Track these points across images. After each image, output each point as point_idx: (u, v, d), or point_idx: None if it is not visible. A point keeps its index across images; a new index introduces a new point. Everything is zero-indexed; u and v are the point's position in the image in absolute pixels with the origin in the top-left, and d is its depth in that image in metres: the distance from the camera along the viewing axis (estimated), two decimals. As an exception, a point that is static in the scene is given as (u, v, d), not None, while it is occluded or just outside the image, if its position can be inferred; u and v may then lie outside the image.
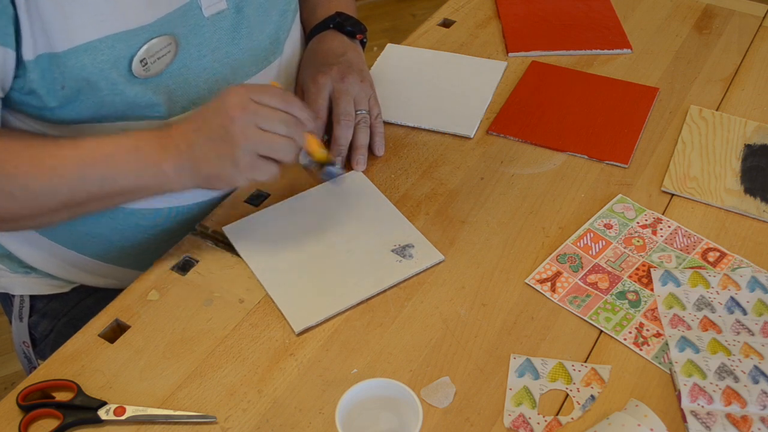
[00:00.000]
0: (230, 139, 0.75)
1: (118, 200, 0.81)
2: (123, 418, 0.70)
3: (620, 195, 0.93)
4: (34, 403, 0.72)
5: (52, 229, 0.91)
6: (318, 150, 0.83)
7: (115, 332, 0.79)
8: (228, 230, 0.88)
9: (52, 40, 0.73)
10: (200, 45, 0.84)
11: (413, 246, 0.86)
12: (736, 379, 0.73)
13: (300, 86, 0.99)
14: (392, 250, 0.85)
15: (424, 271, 0.84)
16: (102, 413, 0.70)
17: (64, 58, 0.74)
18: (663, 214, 0.91)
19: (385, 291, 0.82)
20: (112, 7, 0.75)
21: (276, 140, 0.76)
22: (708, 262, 0.85)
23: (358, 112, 0.94)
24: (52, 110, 0.79)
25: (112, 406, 0.71)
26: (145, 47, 0.78)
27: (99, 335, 0.78)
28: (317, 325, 0.79)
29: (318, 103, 0.93)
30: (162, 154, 0.77)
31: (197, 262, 0.85)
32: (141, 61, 0.79)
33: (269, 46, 0.94)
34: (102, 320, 0.79)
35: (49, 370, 0.75)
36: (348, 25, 1.01)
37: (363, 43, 1.04)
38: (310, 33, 1.03)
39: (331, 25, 1.01)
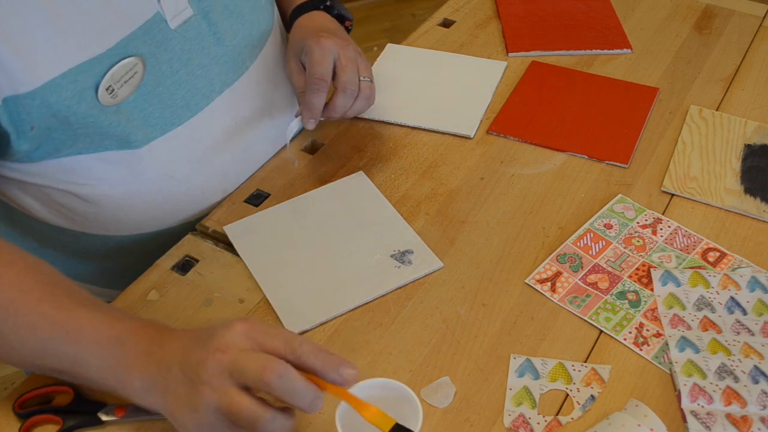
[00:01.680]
0: (196, 385, 0.59)
1: (83, 380, 0.67)
2: (124, 417, 0.70)
3: (620, 195, 0.93)
4: (32, 410, 0.71)
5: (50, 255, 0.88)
6: (383, 422, 0.61)
7: (115, 332, 0.79)
8: (229, 230, 0.87)
9: (14, 83, 0.70)
10: (171, 60, 0.81)
11: (412, 252, 0.85)
12: (736, 379, 0.73)
13: (294, 52, 0.92)
14: (391, 255, 0.85)
15: (422, 278, 0.83)
16: (102, 415, 0.70)
17: (28, 99, 0.71)
18: (663, 214, 0.91)
19: (381, 297, 0.82)
20: (68, 38, 0.72)
21: (248, 408, 0.58)
22: (708, 262, 0.85)
23: (363, 79, 0.90)
24: (27, 153, 0.76)
25: (112, 407, 0.71)
26: (109, 73, 0.75)
27: (99, 335, 0.78)
28: (312, 329, 0.78)
29: (324, 66, 0.87)
30: (140, 361, 0.63)
31: (197, 262, 0.85)
32: (107, 89, 0.75)
33: (245, 50, 0.90)
34: (102, 320, 0.79)
35: (49, 370, 0.75)
36: (337, 9, 0.99)
37: (348, 30, 1.02)
38: (294, 11, 0.98)
39: (321, 7, 0.99)
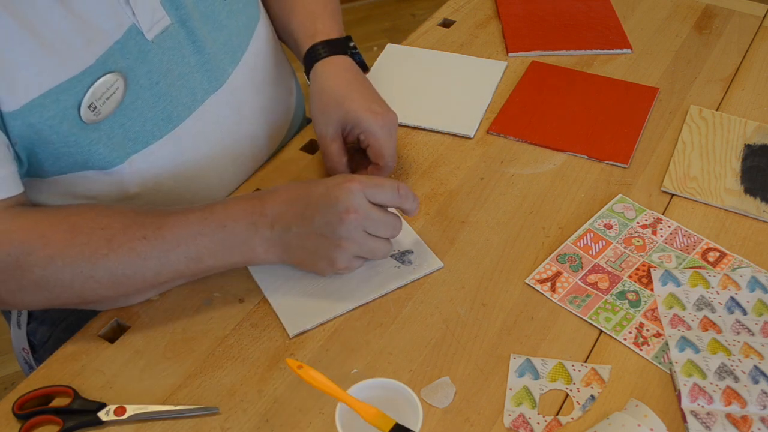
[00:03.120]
0: (335, 240, 0.75)
1: (205, 274, 0.79)
2: (124, 417, 0.70)
3: (620, 195, 0.93)
4: (32, 411, 0.71)
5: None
6: (383, 422, 0.64)
7: (115, 332, 0.79)
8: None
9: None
10: (150, 72, 0.79)
11: (412, 252, 0.85)
12: (736, 379, 0.73)
13: (335, 118, 0.87)
14: (391, 256, 0.85)
15: (422, 277, 0.83)
16: (102, 415, 0.70)
17: (10, 119, 0.71)
18: (663, 214, 0.91)
19: (381, 297, 0.82)
20: (48, 58, 0.71)
21: (378, 245, 0.78)
22: (708, 262, 0.85)
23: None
24: None
25: (112, 407, 0.71)
26: (90, 91, 0.74)
27: (99, 335, 0.78)
28: (312, 329, 0.78)
29: (393, 149, 0.88)
30: (251, 232, 0.75)
31: (197, 262, 0.85)
32: (89, 107, 0.74)
33: (225, 56, 0.88)
34: (102, 320, 0.79)
35: (49, 370, 0.75)
36: (359, 55, 0.95)
37: None
38: (316, 49, 0.93)
39: (347, 53, 0.94)
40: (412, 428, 0.63)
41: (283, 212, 0.76)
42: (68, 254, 0.71)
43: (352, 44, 0.95)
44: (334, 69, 0.92)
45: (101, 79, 0.75)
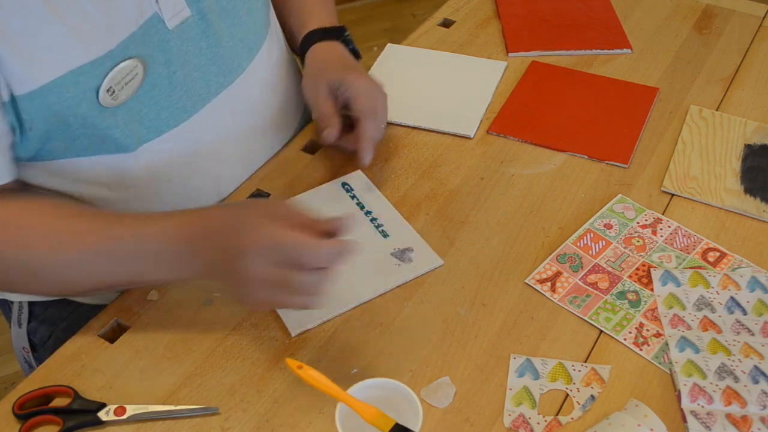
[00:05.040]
0: (238, 281, 0.69)
1: (152, 285, 0.81)
2: (124, 417, 0.70)
3: (620, 195, 0.93)
4: (32, 411, 0.71)
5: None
6: (383, 422, 0.63)
7: (115, 332, 0.79)
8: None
9: (14, 84, 0.70)
10: (168, 61, 0.80)
11: (412, 250, 0.85)
12: (736, 379, 0.73)
13: (326, 80, 0.92)
14: (391, 254, 0.85)
15: (422, 275, 0.83)
16: (102, 415, 0.70)
17: (27, 99, 0.71)
18: (663, 214, 0.91)
19: (382, 295, 0.82)
20: (70, 39, 0.71)
21: (298, 276, 0.67)
22: (708, 262, 0.85)
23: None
24: (24, 149, 0.76)
25: (112, 407, 0.71)
26: (110, 75, 0.74)
27: (99, 335, 0.78)
28: (313, 329, 0.78)
29: (377, 101, 0.90)
30: (184, 257, 0.71)
31: (197, 262, 0.85)
32: (108, 91, 0.75)
33: (241, 51, 0.90)
34: (102, 320, 0.79)
35: (49, 370, 0.75)
36: (352, 44, 0.99)
37: None
38: (309, 35, 0.99)
39: (340, 39, 0.98)
40: (412, 428, 0.63)
41: (204, 245, 0.71)
42: (9, 255, 0.73)
43: (347, 34, 0.99)
44: (326, 48, 0.97)
45: (121, 64, 0.75)
